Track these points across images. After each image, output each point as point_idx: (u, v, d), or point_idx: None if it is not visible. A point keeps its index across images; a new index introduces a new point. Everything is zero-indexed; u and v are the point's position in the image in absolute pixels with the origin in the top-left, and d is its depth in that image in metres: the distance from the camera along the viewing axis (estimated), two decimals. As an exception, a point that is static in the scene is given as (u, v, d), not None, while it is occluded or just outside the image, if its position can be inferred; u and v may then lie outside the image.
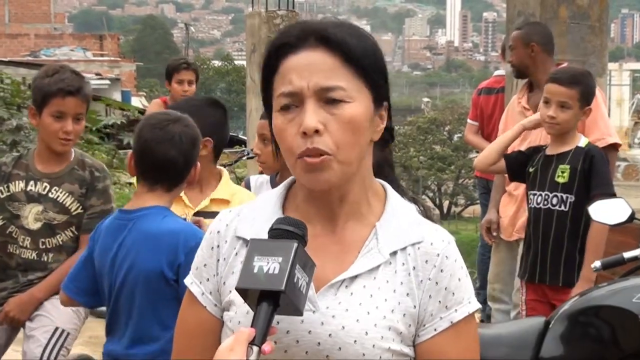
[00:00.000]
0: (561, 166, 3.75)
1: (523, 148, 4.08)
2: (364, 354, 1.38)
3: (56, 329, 3.26)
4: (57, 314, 3.27)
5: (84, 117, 3.40)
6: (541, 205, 3.80)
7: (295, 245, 1.33)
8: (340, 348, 1.39)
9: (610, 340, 2.90)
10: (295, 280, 1.31)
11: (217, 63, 49.26)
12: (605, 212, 3.30)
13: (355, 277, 1.42)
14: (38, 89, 3.33)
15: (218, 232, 1.51)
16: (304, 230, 1.37)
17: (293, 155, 1.40)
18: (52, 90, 3.26)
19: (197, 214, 2.97)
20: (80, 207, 3.37)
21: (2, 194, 3.38)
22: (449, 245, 1.44)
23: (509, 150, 4.08)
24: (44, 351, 3.20)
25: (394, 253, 1.43)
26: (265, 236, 1.38)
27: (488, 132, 5.88)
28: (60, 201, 3.36)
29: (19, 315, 3.29)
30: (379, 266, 1.42)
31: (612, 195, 3.60)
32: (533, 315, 3.70)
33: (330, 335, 1.39)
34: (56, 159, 3.39)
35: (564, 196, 3.73)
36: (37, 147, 3.46)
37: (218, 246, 1.50)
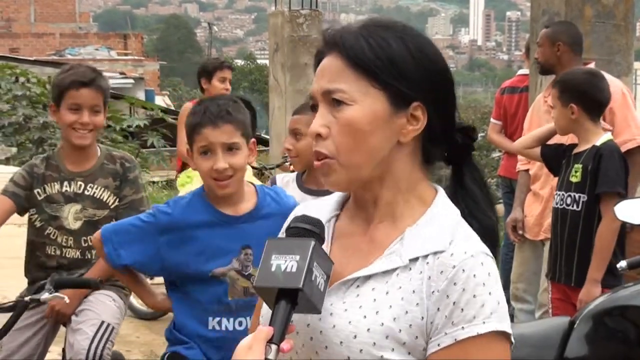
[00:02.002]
0: (575, 165, 3.77)
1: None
2: (348, 357, 1.36)
3: (102, 322, 3.29)
4: (102, 308, 3.32)
5: (103, 110, 3.39)
6: (559, 205, 3.83)
7: (313, 243, 1.33)
8: (327, 347, 1.38)
9: (636, 341, 2.88)
10: (313, 278, 1.31)
11: (240, 62, 49.31)
12: (630, 211, 3.29)
13: (369, 277, 1.39)
14: (55, 85, 3.40)
15: (288, 222, 1.53)
16: (321, 229, 1.38)
17: None
18: (67, 83, 3.32)
19: None
20: (117, 199, 3.42)
21: (40, 195, 3.40)
22: (471, 258, 1.35)
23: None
24: (91, 343, 3.22)
25: (415, 260, 1.37)
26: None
27: (511, 131, 5.85)
28: (98, 197, 3.40)
29: (64, 309, 3.31)
30: (394, 270, 1.38)
31: (619, 193, 3.60)
32: (558, 314, 3.70)
33: (321, 332, 1.39)
34: (84, 156, 3.42)
35: (577, 196, 3.75)
36: (61, 146, 3.50)
37: None
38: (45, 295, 3.00)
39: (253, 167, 5.71)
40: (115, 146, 13.07)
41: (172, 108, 21.79)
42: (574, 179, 3.77)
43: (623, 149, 4.15)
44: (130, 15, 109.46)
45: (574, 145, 3.89)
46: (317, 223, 1.38)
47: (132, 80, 22.56)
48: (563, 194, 3.81)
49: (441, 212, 1.42)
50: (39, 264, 3.44)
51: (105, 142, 13.14)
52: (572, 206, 3.76)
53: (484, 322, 1.32)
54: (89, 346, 3.22)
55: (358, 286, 1.40)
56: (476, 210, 1.46)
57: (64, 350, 3.39)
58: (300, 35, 12.73)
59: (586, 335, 2.87)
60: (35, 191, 3.40)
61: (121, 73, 23.39)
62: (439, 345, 1.33)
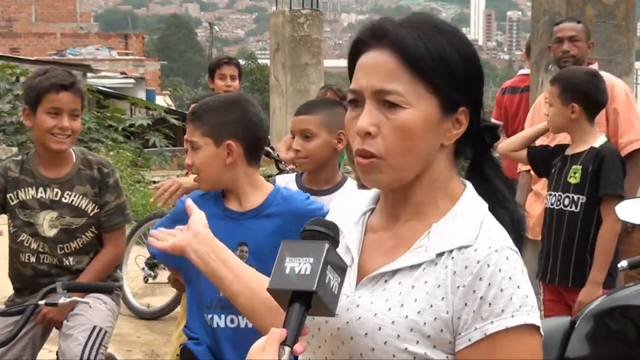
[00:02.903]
0: (574, 166, 3.75)
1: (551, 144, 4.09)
2: (373, 349, 1.37)
3: (94, 327, 3.24)
4: (93, 312, 3.26)
5: (80, 115, 3.30)
6: (554, 205, 3.81)
7: (327, 246, 1.34)
8: (352, 338, 1.40)
9: (636, 341, 2.87)
10: (326, 280, 1.32)
11: (240, 62, 49.36)
12: (631, 211, 3.28)
13: (396, 272, 1.41)
14: (31, 88, 3.26)
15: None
16: (335, 231, 1.39)
17: (353, 152, 1.44)
18: (45, 86, 3.20)
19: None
20: (96, 206, 3.33)
21: (13, 200, 3.31)
22: (495, 253, 1.35)
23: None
24: (83, 350, 3.18)
25: (441, 254, 1.39)
26: (352, 224, 1.47)
27: (512, 131, 5.84)
28: (76, 205, 3.31)
29: (57, 316, 3.25)
30: (421, 264, 1.39)
31: (621, 196, 3.59)
32: (551, 316, 3.69)
33: (347, 323, 1.41)
34: (58, 162, 3.32)
35: (576, 197, 3.73)
36: (35, 150, 3.37)
37: None
38: (62, 300, 2.97)
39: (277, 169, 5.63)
40: (117, 146, 13.07)
41: (174, 108, 21.79)
42: (572, 180, 3.75)
43: (628, 149, 4.16)
44: (131, 15, 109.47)
45: (562, 146, 3.89)
46: (332, 226, 1.39)
47: (132, 80, 22.56)
48: (560, 195, 3.79)
49: (468, 207, 1.43)
50: (17, 272, 3.39)
51: (106, 142, 13.15)
52: (570, 207, 3.75)
53: (512, 316, 1.33)
54: (81, 353, 3.18)
55: (386, 280, 1.41)
56: (505, 201, 1.47)
57: (57, 353, 3.36)
58: (301, 35, 12.73)
59: (587, 335, 2.86)
60: (8, 196, 3.31)
61: (122, 73, 23.39)
62: (469, 340, 1.34)
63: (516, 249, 1.39)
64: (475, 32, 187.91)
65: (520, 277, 1.35)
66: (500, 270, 1.34)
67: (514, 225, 1.45)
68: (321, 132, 3.07)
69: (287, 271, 1.33)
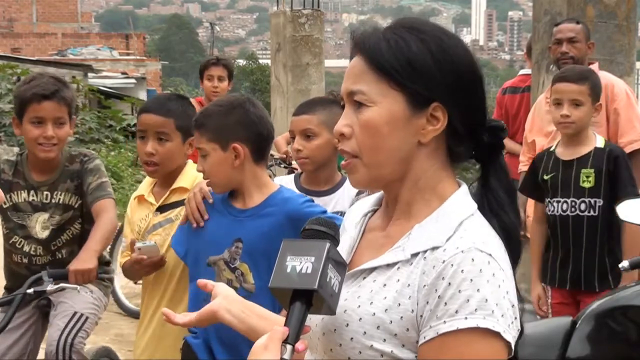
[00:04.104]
0: (584, 170, 3.68)
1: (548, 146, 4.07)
2: (340, 344, 1.40)
3: (75, 313, 3.28)
4: (76, 299, 3.30)
5: (69, 121, 3.30)
6: (568, 212, 3.72)
7: (328, 245, 1.35)
8: (324, 333, 1.44)
9: (637, 341, 2.87)
10: (327, 279, 1.33)
11: (241, 62, 49.26)
12: (633, 211, 3.27)
13: (374, 269, 1.43)
14: (16, 97, 3.29)
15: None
16: (335, 230, 1.41)
17: None
18: (28, 96, 3.21)
19: (159, 208, 3.04)
20: (79, 198, 3.36)
21: (5, 204, 3.34)
22: (461, 254, 1.34)
23: (538, 147, 4.09)
24: (61, 334, 3.22)
25: (416, 254, 1.39)
26: (353, 225, 1.51)
27: (513, 131, 5.85)
28: (62, 202, 3.36)
29: (86, 265, 3.07)
30: (396, 263, 1.41)
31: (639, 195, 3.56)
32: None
33: (322, 319, 1.44)
34: (48, 166, 3.35)
35: (592, 201, 3.67)
36: (28, 155, 3.40)
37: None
38: (49, 287, 2.97)
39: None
40: (117, 146, 13.07)
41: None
42: (586, 185, 3.67)
43: (629, 149, 4.14)
44: (132, 15, 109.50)
45: (542, 154, 3.84)
46: (332, 225, 1.41)
47: (134, 80, 22.58)
48: (574, 201, 3.69)
49: (452, 208, 1.43)
50: (10, 270, 3.42)
51: (107, 142, 13.15)
52: (588, 212, 3.67)
53: (465, 318, 1.31)
54: (59, 337, 3.21)
55: (364, 278, 1.44)
56: (498, 209, 1.46)
57: None
58: (302, 35, 12.72)
59: (588, 336, 2.86)
60: None
61: (123, 73, 23.41)
62: (424, 338, 1.34)
63: (489, 252, 1.35)
64: (476, 32, 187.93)
65: (484, 280, 1.32)
66: (462, 271, 1.33)
67: (507, 235, 1.43)
68: (322, 132, 3.07)
69: (288, 270, 1.33)
